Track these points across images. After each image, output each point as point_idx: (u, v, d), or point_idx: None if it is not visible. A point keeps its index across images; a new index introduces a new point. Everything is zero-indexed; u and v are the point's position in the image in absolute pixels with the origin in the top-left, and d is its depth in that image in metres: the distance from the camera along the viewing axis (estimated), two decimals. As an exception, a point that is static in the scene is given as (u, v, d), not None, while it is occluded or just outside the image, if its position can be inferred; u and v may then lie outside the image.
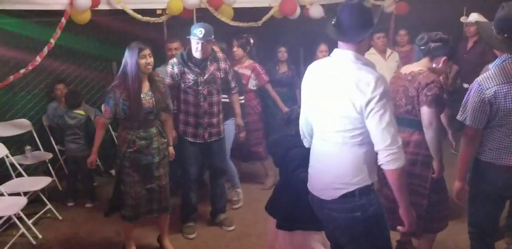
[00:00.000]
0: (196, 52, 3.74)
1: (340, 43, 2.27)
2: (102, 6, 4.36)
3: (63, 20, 4.13)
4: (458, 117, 2.80)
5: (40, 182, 4.38)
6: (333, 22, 2.25)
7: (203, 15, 5.14)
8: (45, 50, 4.15)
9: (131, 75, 3.33)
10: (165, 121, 3.69)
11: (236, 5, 5.16)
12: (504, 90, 2.58)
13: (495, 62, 2.73)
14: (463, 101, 2.77)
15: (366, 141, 2.18)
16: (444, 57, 3.02)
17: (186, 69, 3.79)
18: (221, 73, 3.93)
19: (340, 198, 2.25)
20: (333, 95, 2.19)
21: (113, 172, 5.45)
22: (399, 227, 2.34)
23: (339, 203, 2.26)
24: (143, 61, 3.33)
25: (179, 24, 5.23)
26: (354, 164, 2.22)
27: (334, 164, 2.27)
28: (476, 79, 2.69)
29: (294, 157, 2.71)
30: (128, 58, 3.33)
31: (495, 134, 2.72)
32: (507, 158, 2.70)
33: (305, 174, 2.55)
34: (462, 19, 5.32)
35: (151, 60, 3.37)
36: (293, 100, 5.19)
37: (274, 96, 5.02)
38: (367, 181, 2.25)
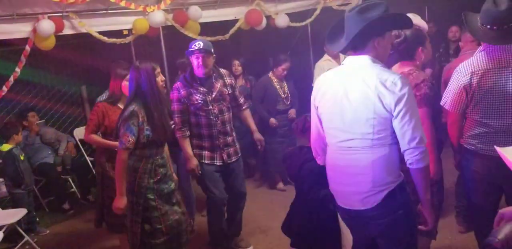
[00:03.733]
0: (198, 68, 3.56)
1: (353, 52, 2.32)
2: (67, 31, 4.25)
3: (27, 47, 4.02)
4: (441, 102, 2.92)
5: (15, 215, 4.23)
6: (343, 36, 2.28)
7: (169, 32, 5.11)
8: (11, 79, 4.02)
9: (153, 96, 3.09)
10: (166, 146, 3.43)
11: (202, 20, 5.13)
12: (478, 77, 2.71)
13: (476, 51, 2.85)
14: (447, 88, 2.90)
15: (393, 141, 2.22)
16: (419, 48, 3.02)
17: (192, 90, 3.61)
18: (228, 89, 3.76)
19: (383, 200, 2.24)
20: (359, 98, 2.19)
21: (90, 197, 5.34)
22: (420, 227, 2.39)
23: (383, 207, 2.25)
24: (158, 79, 3.17)
25: (147, 43, 5.18)
26: (387, 163, 2.23)
27: (368, 169, 2.24)
28: (457, 67, 2.84)
29: (310, 170, 2.64)
30: (143, 78, 3.08)
31: (474, 123, 2.84)
32: (486, 148, 2.79)
33: (325, 191, 2.51)
34: None
35: (163, 77, 3.24)
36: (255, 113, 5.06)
37: None
38: (401, 177, 2.29)
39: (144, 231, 3.16)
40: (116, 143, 3.21)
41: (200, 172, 3.70)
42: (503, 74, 2.69)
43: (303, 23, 6.07)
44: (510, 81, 2.68)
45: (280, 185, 5.32)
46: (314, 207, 2.58)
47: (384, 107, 2.14)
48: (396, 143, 2.22)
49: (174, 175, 3.47)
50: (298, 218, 2.75)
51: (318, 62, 5.43)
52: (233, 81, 3.85)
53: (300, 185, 2.74)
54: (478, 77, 2.71)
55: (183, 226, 3.30)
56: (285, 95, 5.16)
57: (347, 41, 2.21)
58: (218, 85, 3.68)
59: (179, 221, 3.26)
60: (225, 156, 3.72)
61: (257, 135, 4.02)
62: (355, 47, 2.25)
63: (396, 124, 2.15)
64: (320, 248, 2.73)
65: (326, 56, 5.38)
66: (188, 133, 3.67)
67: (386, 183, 2.23)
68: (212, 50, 3.61)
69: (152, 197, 3.14)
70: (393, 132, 2.20)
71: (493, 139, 2.76)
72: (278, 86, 5.15)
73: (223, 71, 3.82)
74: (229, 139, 3.75)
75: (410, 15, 4.93)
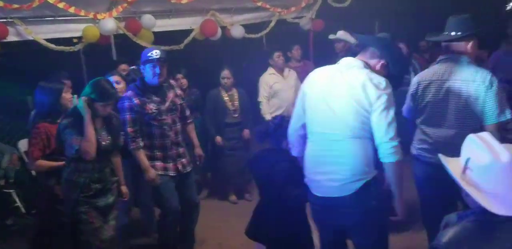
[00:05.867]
0: (154, 77, 3.44)
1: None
2: (11, 38, 4.09)
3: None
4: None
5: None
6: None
7: (121, 41, 4.98)
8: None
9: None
10: (116, 158, 3.34)
11: (156, 29, 5.06)
12: (423, 85, 2.90)
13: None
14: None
15: (370, 136, 2.37)
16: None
17: (145, 99, 3.49)
18: (180, 100, 3.72)
19: (360, 189, 2.36)
20: (346, 91, 2.36)
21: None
22: (392, 218, 2.49)
23: (358, 195, 2.37)
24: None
25: (97, 52, 5.03)
26: (365, 154, 2.38)
27: (349, 158, 2.38)
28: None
29: (281, 171, 2.67)
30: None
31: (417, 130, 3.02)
32: (425, 154, 2.93)
33: (298, 191, 2.58)
34: (330, 36, 5.44)
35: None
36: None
37: None
38: (376, 171, 2.42)
39: (79, 241, 3.10)
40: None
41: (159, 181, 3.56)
42: (443, 85, 2.82)
43: (258, 35, 6.10)
44: (441, 92, 2.82)
45: (233, 197, 5.18)
46: (288, 207, 2.59)
47: (367, 99, 2.30)
48: (372, 138, 2.36)
49: (124, 187, 3.38)
50: (270, 221, 2.73)
51: (262, 76, 5.28)
52: (181, 93, 3.83)
53: (270, 186, 2.72)
54: (422, 87, 2.91)
55: (114, 244, 3.21)
56: (234, 108, 5.05)
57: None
58: (171, 95, 3.64)
59: (113, 238, 3.19)
60: (180, 167, 3.64)
61: (199, 150, 3.97)
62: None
63: (373, 118, 2.31)
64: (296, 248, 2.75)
65: (270, 70, 5.28)
66: (142, 143, 3.52)
67: (363, 173, 2.37)
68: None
69: (83, 210, 3.07)
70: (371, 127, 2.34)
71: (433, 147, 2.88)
72: (227, 99, 5.04)
73: (172, 82, 3.79)
74: (181, 150, 3.70)
75: (341, 32, 5.25)
